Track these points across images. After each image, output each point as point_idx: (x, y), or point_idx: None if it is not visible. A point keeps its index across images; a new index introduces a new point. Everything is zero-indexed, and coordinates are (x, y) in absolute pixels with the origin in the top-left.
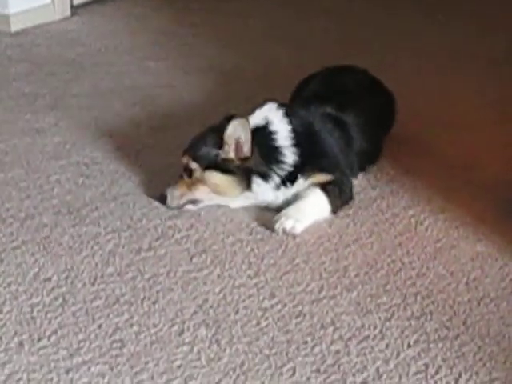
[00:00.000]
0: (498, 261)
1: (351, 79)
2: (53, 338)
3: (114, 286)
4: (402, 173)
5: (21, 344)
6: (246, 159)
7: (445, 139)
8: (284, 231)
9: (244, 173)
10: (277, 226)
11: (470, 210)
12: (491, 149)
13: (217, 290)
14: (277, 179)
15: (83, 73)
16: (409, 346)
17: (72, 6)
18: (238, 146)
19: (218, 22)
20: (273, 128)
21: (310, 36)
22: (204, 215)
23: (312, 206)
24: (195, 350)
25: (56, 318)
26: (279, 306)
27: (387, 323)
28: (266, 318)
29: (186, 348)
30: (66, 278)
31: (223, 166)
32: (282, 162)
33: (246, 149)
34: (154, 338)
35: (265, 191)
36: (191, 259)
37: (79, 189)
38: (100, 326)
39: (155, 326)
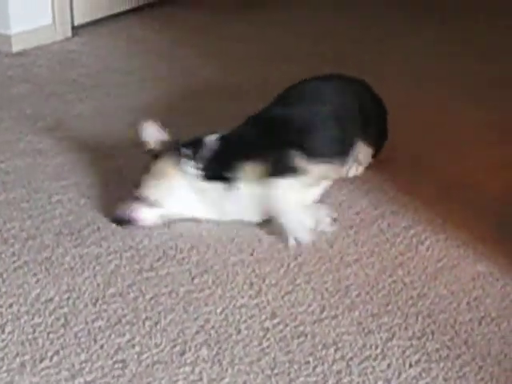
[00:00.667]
0: (499, 281)
1: (327, 85)
2: (55, 359)
3: (116, 306)
4: (403, 193)
5: (23, 365)
6: None
7: (444, 159)
8: (298, 242)
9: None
10: (290, 240)
11: (470, 230)
12: (491, 169)
13: (218, 310)
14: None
15: (84, 93)
16: (410, 365)
17: (73, 27)
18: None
19: (217, 44)
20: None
21: (311, 56)
22: (205, 235)
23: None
24: (197, 370)
25: (58, 338)
26: (281, 326)
27: (389, 343)
28: (268, 339)
29: (187, 368)
30: (68, 298)
31: None
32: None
33: None
34: (155, 358)
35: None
36: (193, 280)
37: (81, 209)
38: (102, 347)
39: (157, 346)
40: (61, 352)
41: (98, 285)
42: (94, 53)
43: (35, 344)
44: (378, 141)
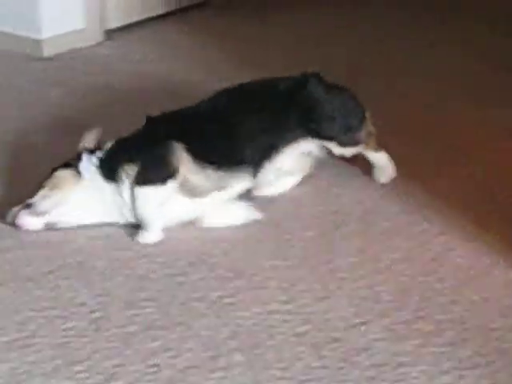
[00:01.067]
0: None
1: (259, 85)
2: (88, 363)
3: (148, 311)
4: (434, 198)
5: (56, 369)
6: None
7: (474, 162)
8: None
9: None
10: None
11: (502, 237)
12: None
13: (250, 315)
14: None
15: (115, 98)
16: (443, 372)
17: (105, 31)
18: None
19: (250, 49)
20: None
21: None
22: (238, 240)
23: None
24: (229, 375)
25: (91, 342)
26: (313, 332)
27: (421, 350)
28: (300, 344)
29: (220, 373)
30: (101, 302)
31: None
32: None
33: None
34: (188, 363)
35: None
36: (225, 284)
37: None
38: (135, 351)
39: (189, 350)
40: (94, 356)
41: (131, 289)
42: (126, 57)
43: (68, 348)
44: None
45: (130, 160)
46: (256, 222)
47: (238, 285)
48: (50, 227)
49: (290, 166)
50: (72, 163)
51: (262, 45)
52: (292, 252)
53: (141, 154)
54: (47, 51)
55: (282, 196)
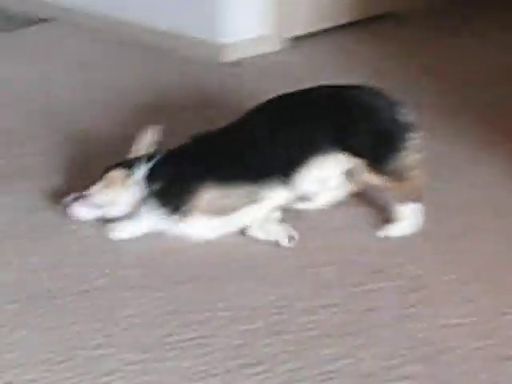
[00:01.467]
0: None
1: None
2: (265, 366)
3: (327, 318)
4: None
5: (234, 370)
6: None
7: None
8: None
9: None
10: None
11: None
12: None
13: (429, 327)
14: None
15: None
16: None
17: (288, 39)
18: None
19: (431, 61)
20: None
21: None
22: (420, 252)
23: None
24: None
25: (269, 345)
26: (492, 348)
27: None
28: (476, 359)
29: None
30: (280, 306)
31: None
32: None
33: None
34: (365, 371)
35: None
36: (404, 296)
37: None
38: (312, 357)
39: (367, 359)
40: (271, 359)
41: (311, 295)
42: (309, 65)
43: (246, 350)
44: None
45: (158, 174)
46: (431, 234)
47: (418, 297)
48: (99, 219)
49: (335, 180)
50: (128, 164)
51: (444, 56)
52: (472, 266)
53: (169, 172)
54: (231, 56)
55: (461, 207)
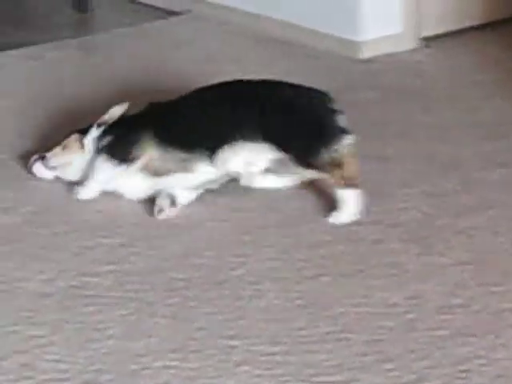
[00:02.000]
0: None
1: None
2: (399, 362)
3: (460, 317)
4: None
5: (367, 364)
6: None
7: None
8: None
9: None
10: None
11: None
12: None
13: None
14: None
15: (429, 105)
16: None
17: (421, 38)
18: None
19: None
20: None
21: None
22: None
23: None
24: None
25: (402, 342)
26: None
27: None
28: None
29: None
30: (413, 305)
31: None
32: None
33: None
34: (498, 372)
35: None
36: None
37: (426, 218)
38: (445, 355)
39: (499, 360)
40: (405, 356)
41: (443, 294)
42: (441, 65)
43: (380, 345)
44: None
45: (108, 134)
46: None
47: None
48: (59, 179)
49: (262, 166)
50: (85, 130)
51: None
52: None
53: (117, 131)
54: (365, 53)
55: None
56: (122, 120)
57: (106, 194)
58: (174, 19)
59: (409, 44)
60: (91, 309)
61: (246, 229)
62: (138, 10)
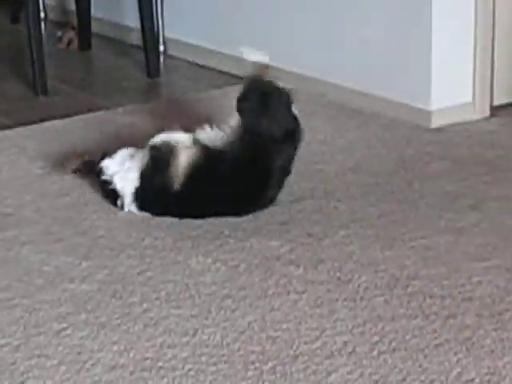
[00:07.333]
0: None
1: None
2: None
3: None
4: None
5: None
6: None
7: None
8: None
9: None
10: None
11: None
12: None
13: None
14: None
15: (503, 176)
16: None
17: (492, 107)
18: None
19: None
20: None
21: None
22: None
23: None
24: None
25: None
26: None
27: None
28: None
29: None
30: (489, 381)
31: None
32: None
33: None
34: None
35: None
36: None
37: (501, 292)
38: None
39: None
40: None
41: None
42: (510, 133)
43: None
44: None
45: None
46: None
47: None
48: None
49: None
50: None
51: None
52: None
53: None
54: (435, 123)
55: None
56: None
57: (177, 266)
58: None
59: (480, 113)
60: (165, 381)
61: (319, 301)
62: (208, 75)
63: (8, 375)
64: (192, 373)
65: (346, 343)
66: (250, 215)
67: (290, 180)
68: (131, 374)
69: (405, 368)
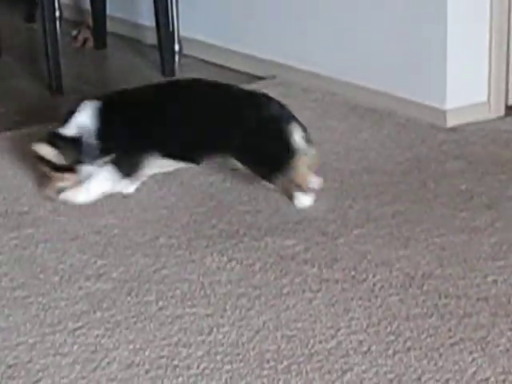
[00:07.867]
0: None
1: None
2: None
3: None
4: None
5: None
6: None
7: None
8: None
9: None
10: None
11: None
12: None
13: None
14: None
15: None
16: None
17: (507, 107)
18: None
19: None
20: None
21: None
22: None
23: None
24: None
25: None
26: None
27: None
28: None
29: None
30: (504, 380)
31: None
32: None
33: None
34: None
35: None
36: None
37: None
38: None
39: None
40: None
41: None
42: None
43: None
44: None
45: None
46: None
47: None
48: None
49: None
50: None
51: None
52: None
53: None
54: (450, 122)
55: None
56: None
57: (192, 265)
58: (257, 84)
59: (495, 112)
60: (180, 380)
61: (334, 300)
62: (222, 74)
63: (23, 373)
64: (207, 371)
65: (361, 342)
66: (266, 214)
67: None
68: (146, 372)
69: (420, 367)
